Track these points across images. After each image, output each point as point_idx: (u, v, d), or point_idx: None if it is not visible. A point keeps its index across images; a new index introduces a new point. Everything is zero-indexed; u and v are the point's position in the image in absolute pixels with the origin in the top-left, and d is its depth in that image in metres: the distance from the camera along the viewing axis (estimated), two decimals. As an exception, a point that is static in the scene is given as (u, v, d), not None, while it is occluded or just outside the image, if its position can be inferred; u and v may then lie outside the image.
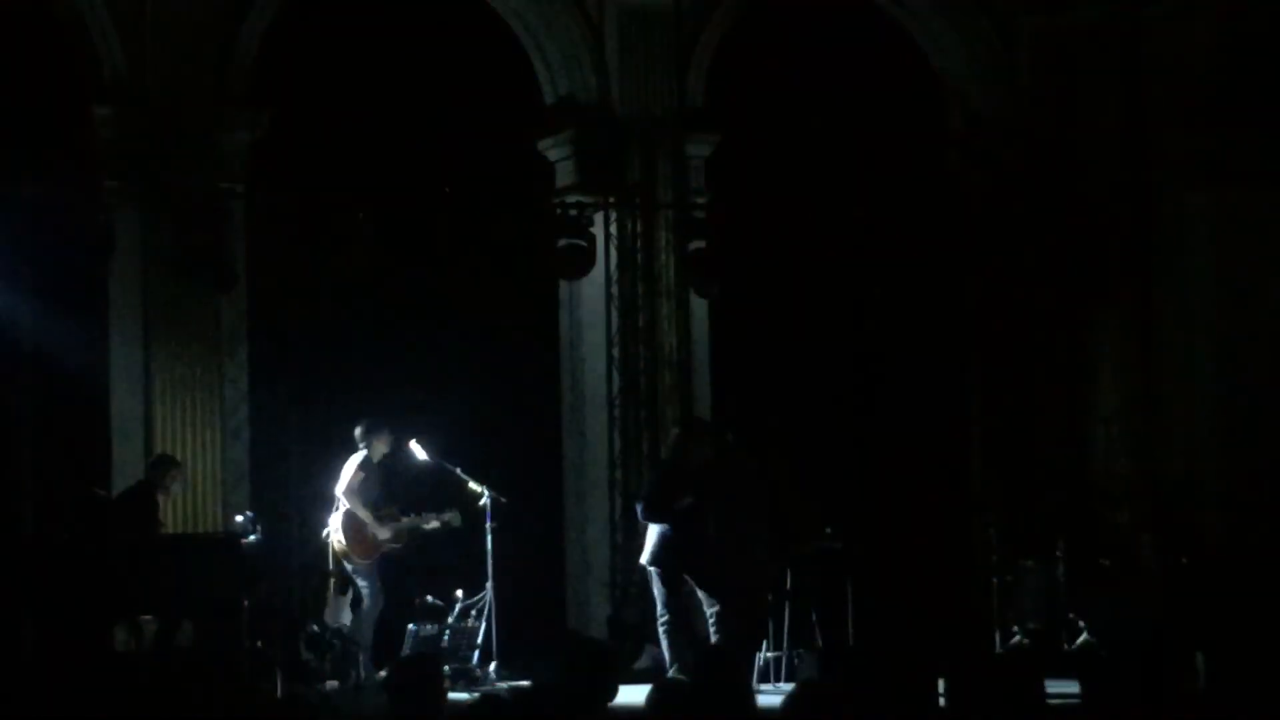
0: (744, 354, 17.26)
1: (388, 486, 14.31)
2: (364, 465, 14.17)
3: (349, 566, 14.13)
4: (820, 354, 17.65)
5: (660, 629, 13.50)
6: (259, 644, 13.24)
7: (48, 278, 14.40)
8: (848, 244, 16.74)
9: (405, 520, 14.25)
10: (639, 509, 13.91)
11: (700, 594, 13.43)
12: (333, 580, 14.23)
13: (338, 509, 14.13)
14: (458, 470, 14.33)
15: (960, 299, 17.51)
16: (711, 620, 13.35)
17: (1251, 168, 17.36)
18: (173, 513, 14.29)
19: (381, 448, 14.22)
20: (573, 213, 15.65)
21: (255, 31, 15.66)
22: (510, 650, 14.31)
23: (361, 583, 14.12)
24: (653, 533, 13.42)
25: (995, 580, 15.19)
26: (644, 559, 13.46)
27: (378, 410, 14.50)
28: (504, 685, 13.42)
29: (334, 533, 14.07)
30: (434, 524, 14.33)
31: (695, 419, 15.28)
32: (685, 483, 13.30)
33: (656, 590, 13.46)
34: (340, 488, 14.14)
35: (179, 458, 14.47)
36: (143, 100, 15.24)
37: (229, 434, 15.23)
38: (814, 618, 14.32)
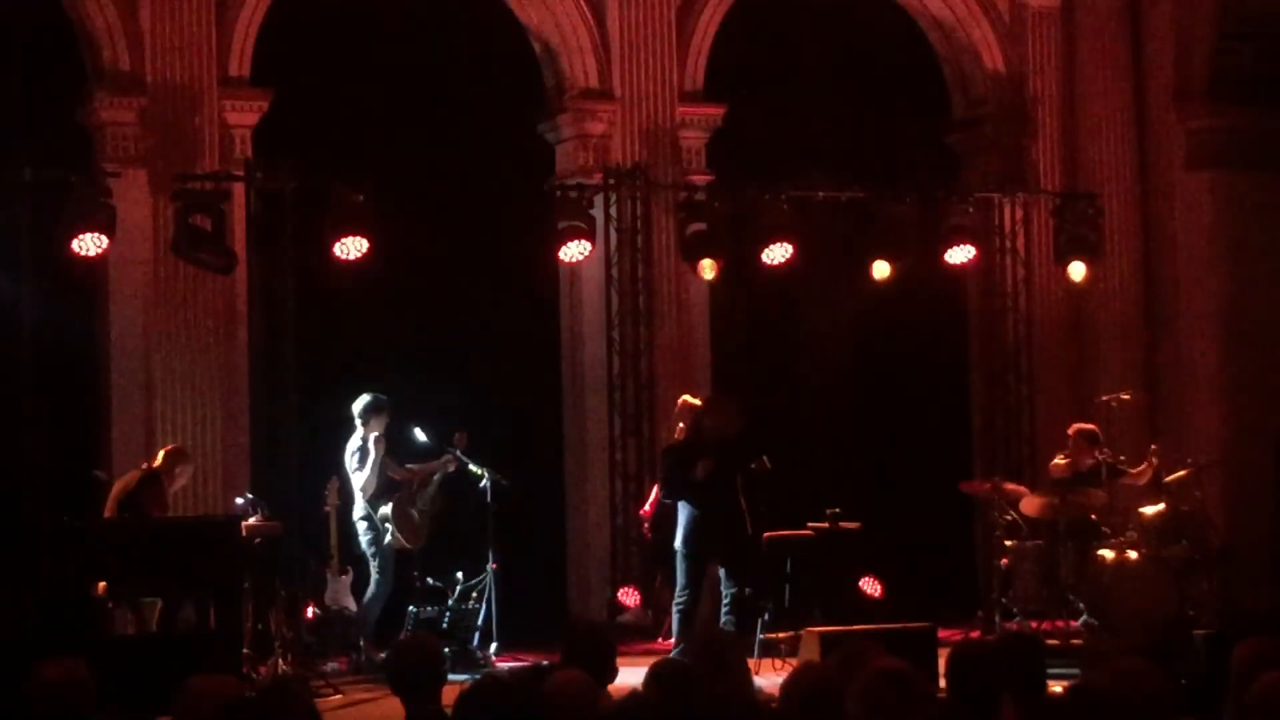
0: (743, 336, 17.25)
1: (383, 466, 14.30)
2: (374, 462, 14.15)
3: (369, 550, 14.12)
4: (820, 336, 17.64)
5: (675, 608, 13.55)
6: (260, 625, 13.25)
7: (48, 261, 14.39)
8: (848, 225, 16.73)
9: (427, 486, 14.27)
10: (661, 492, 14.04)
11: (721, 574, 13.50)
12: (333, 562, 14.24)
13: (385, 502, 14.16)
14: (458, 452, 14.34)
15: (960, 279, 17.50)
16: (727, 601, 13.39)
17: (1253, 149, 17.36)
18: (174, 496, 14.28)
19: (379, 427, 14.21)
20: (573, 195, 15.64)
21: (256, 13, 15.64)
22: (510, 632, 14.34)
23: (375, 567, 14.11)
24: (683, 516, 13.48)
25: (996, 561, 15.20)
26: (676, 543, 13.54)
27: (378, 392, 14.45)
28: (504, 667, 13.43)
29: (395, 531, 14.09)
30: (441, 469, 14.34)
31: (714, 394, 15.33)
32: (699, 457, 13.34)
33: (680, 570, 13.51)
34: (368, 494, 14.12)
35: (180, 441, 14.47)
36: (143, 82, 15.24)
37: (229, 417, 15.22)
38: (813, 600, 14.36)
